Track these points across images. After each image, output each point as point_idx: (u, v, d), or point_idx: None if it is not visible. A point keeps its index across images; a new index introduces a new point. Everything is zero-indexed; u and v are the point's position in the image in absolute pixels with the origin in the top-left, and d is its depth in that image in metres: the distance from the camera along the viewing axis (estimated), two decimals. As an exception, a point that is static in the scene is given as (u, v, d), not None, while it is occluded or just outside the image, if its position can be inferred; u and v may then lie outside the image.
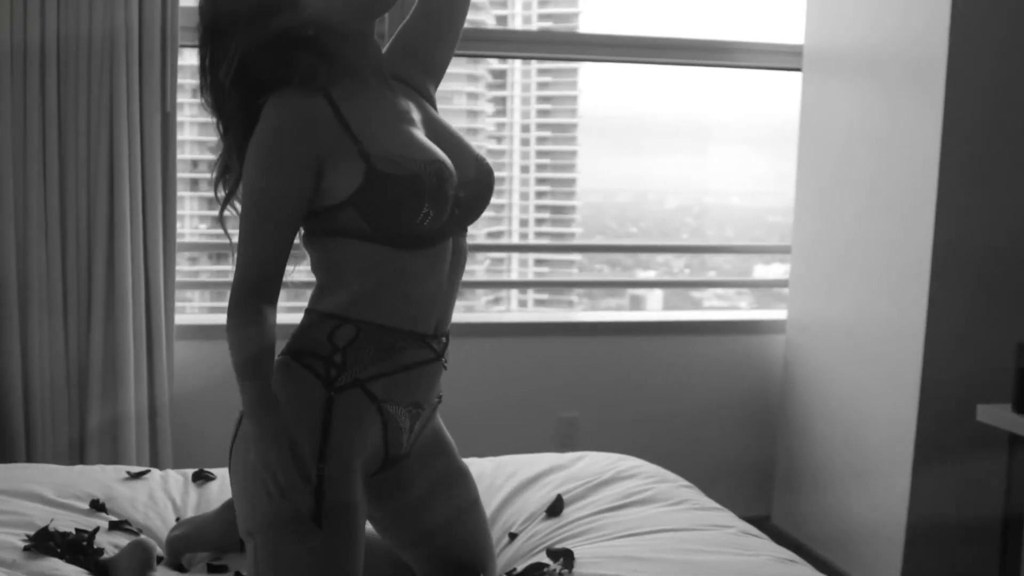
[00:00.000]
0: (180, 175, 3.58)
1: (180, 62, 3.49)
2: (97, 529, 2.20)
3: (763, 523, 4.01)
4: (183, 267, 3.91)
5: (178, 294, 3.67)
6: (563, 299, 4.80)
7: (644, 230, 5.01)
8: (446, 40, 2.00)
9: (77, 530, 2.18)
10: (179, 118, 3.56)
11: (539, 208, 4.72)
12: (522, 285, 4.60)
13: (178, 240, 3.58)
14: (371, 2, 1.74)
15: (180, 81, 3.50)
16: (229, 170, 1.76)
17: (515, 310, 4.64)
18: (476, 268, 4.61)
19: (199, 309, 4.15)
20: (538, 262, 4.79)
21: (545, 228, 4.76)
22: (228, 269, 2.84)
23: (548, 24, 4.59)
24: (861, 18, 3.63)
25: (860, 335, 3.62)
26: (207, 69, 1.75)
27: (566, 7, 4.61)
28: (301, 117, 1.66)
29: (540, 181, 4.74)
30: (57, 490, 2.41)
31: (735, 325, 4.25)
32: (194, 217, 4.21)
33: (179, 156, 3.54)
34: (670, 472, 2.62)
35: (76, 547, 2.11)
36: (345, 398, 1.71)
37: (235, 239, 1.71)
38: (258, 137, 1.66)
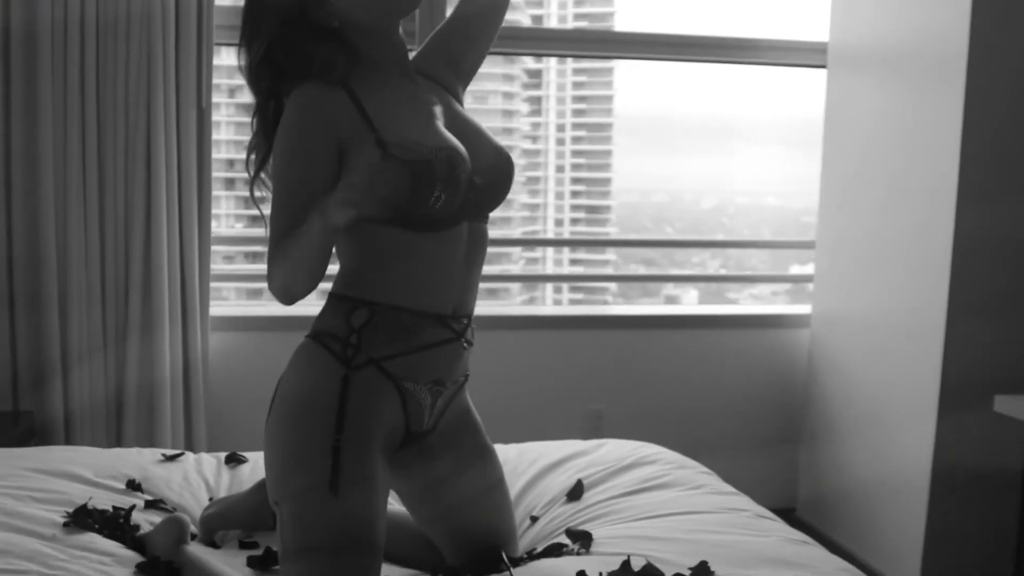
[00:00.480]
0: (216, 175, 3.67)
1: (216, 60, 3.57)
2: (133, 507, 2.29)
3: (788, 516, 4.05)
4: (218, 265, 4.00)
5: (216, 286, 3.77)
6: (598, 299, 4.81)
7: (680, 231, 5.00)
8: (477, 46, 2.07)
9: (114, 508, 2.27)
10: (215, 117, 3.65)
11: (574, 208, 4.74)
12: (555, 279, 4.64)
13: (213, 234, 3.68)
14: (394, 3, 1.82)
15: (216, 81, 3.59)
16: (257, 149, 1.85)
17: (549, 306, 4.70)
18: (511, 267, 4.68)
19: (237, 299, 4.24)
20: (573, 262, 4.82)
21: (580, 228, 4.78)
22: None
23: (584, 23, 4.62)
24: (884, 15, 3.67)
25: (882, 329, 3.66)
26: (244, 48, 1.83)
27: (602, 6, 4.64)
28: (321, 109, 1.74)
29: (575, 180, 4.75)
30: (95, 471, 2.50)
31: (760, 319, 4.30)
32: (230, 216, 4.31)
33: (215, 155, 3.63)
34: (690, 459, 2.67)
35: (113, 523, 2.20)
36: (361, 376, 1.78)
37: (267, 212, 1.80)
38: (282, 129, 1.75)
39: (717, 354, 4.24)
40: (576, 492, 2.37)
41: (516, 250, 4.74)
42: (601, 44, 4.38)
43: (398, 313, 1.80)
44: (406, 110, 1.83)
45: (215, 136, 3.66)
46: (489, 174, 1.86)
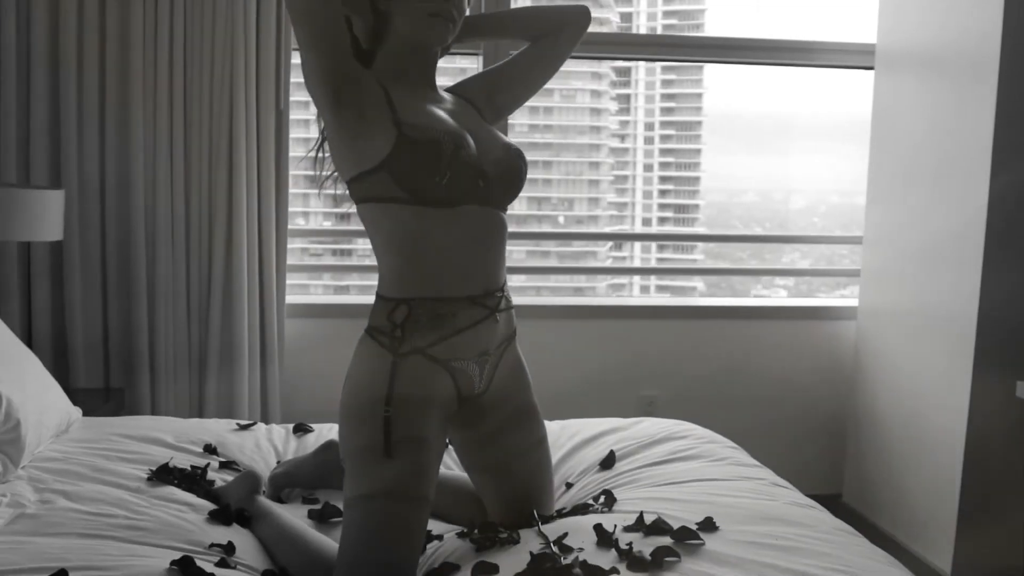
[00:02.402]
0: (293, 172, 3.94)
1: (293, 67, 3.82)
2: (208, 465, 2.56)
3: (834, 501, 4.20)
4: (295, 258, 4.27)
5: (299, 282, 4.05)
6: (687, 294, 4.86)
7: (769, 231, 5.01)
8: (513, 91, 2.35)
9: (192, 466, 2.54)
10: (292, 116, 3.91)
11: (662, 207, 4.81)
12: (587, 271, 4.78)
13: (290, 227, 3.94)
14: (422, 42, 2.10)
15: (294, 79, 3.84)
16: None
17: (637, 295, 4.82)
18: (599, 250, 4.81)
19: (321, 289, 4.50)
20: (660, 261, 4.88)
21: (668, 228, 4.84)
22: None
23: (673, 21, 4.69)
24: (928, 18, 3.79)
25: (922, 321, 3.79)
26: None
27: (691, 4, 4.70)
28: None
29: (663, 180, 4.80)
30: (176, 436, 2.78)
31: (809, 311, 4.43)
32: (318, 215, 4.57)
33: (292, 154, 3.89)
34: (720, 436, 2.85)
35: (191, 479, 2.46)
36: (408, 362, 2.03)
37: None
38: None
39: (767, 344, 4.38)
40: (608, 462, 2.58)
41: (604, 246, 4.83)
42: (677, 48, 4.48)
43: (432, 304, 2.04)
44: (421, 103, 2.08)
45: (292, 135, 3.91)
46: (499, 166, 2.09)
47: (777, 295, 4.92)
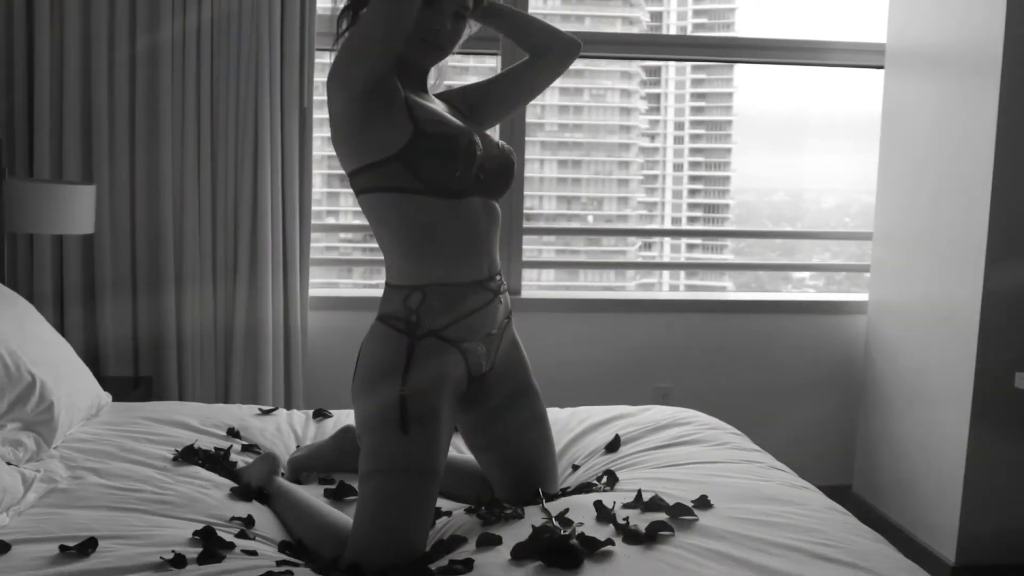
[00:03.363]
0: (316, 171, 4.06)
1: (316, 66, 3.94)
2: (231, 447, 2.68)
3: (844, 492, 4.28)
4: (319, 254, 4.39)
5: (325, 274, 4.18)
6: (716, 289, 4.94)
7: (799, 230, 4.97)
8: (494, 109, 2.50)
9: (216, 448, 2.66)
10: (315, 115, 4.03)
11: (691, 207, 4.85)
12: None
13: (314, 222, 4.07)
14: (414, 60, 2.24)
15: (317, 79, 3.96)
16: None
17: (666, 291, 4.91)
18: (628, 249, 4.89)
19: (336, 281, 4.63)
20: (690, 260, 4.97)
21: (697, 227, 4.89)
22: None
23: (704, 20, 4.73)
24: (936, 19, 3.87)
25: (928, 315, 3.88)
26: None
27: (722, 2, 4.74)
28: None
29: (693, 179, 4.84)
30: (200, 420, 2.90)
31: (821, 305, 4.52)
32: (347, 213, 4.69)
33: (315, 151, 4.01)
34: (724, 423, 2.95)
35: (214, 460, 2.59)
36: (424, 345, 2.16)
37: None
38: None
39: (781, 338, 4.47)
40: (613, 445, 2.68)
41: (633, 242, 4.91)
42: (673, 48, 4.55)
43: (445, 289, 2.18)
44: (428, 103, 2.24)
45: (315, 133, 4.03)
46: (495, 161, 2.25)
47: (805, 291, 4.98)
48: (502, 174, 2.28)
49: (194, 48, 3.79)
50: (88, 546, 1.90)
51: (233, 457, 2.66)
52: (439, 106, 2.31)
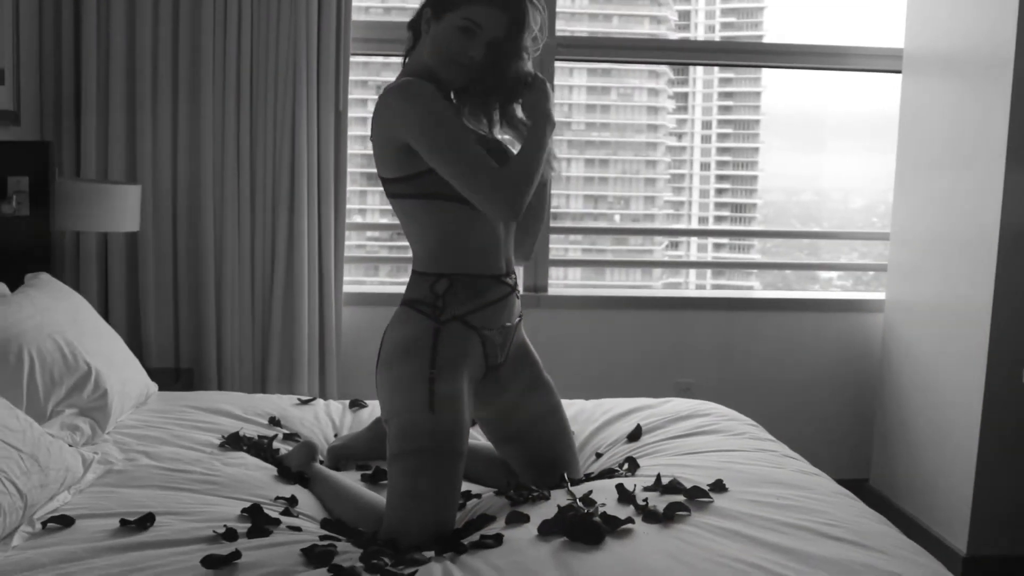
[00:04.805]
0: (351, 170, 4.21)
1: (351, 69, 4.09)
2: (275, 436, 2.83)
3: (861, 485, 4.39)
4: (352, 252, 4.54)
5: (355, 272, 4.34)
6: (742, 286, 5.04)
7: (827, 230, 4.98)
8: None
9: (259, 436, 2.81)
10: (351, 114, 4.15)
11: (719, 206, 4.92)
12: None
13: (348, 220, 4.21)
14: (441, 78, 2.35)
15: (353, 77, 4.11)
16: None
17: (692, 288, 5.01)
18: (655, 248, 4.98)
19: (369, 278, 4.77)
20: (714, 260, 5.06)
21: (724, 227, 4.96)
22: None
23: (732, 19, 4.77)
24: (951, 25, 3.99)
25: (942, 313, 4.00)
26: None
27: (750, 1, 4.78)
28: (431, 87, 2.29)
29: (720, 179, 4.89)
30: (243, 409, 3.06)
31: (839, 304, 4.63)
32: (375, 211, 4.83)
33: (350, 151, 4.15)
34: (742, 415, 3.08)
35: (259, 447, 2.74)
36: (449, 328, 2.32)
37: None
38: (420, 100, 2.25)
39: (800, 335, 4.58)
40: (635, 434, 2.82)
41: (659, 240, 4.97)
42: (700, 53, 4.66)
43: (470, 279, 2.36)
44: (463, 123, 2.38)
45: (350, 133, 4.16)
46: None
47: (831, 290, 5.06)
48: None
49: (234, 53, 3.94)
50: (147, 520, 2.06)
51: (276, 445, 2.81)
52: (468, 120, 2.44)
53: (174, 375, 3.87)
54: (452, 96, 2.42)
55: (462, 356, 2.34)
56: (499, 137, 2.48)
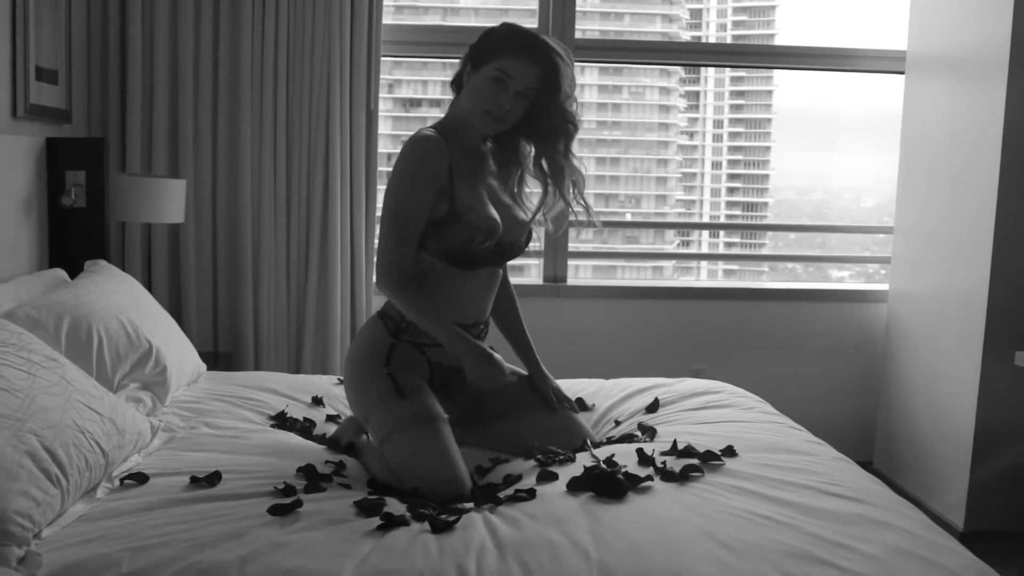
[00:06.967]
0: (380, 168, 4.42)
1: (382, 70, 4.30)
2: (314, 425, 3.03)
3: (865, 467, 4.51)
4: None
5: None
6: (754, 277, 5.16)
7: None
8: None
9: (304, 418, 3.02)
10: (381, 112, 4.37)
11: (730, 205, 5.02)
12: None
13: (377, 213, 4.42)
14: (473, 126, 2.62)
15: (383, 77, 4.32)
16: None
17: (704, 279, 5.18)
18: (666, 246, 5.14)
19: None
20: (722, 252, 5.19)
21: (734, 221, 5.05)
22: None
23: (744, 18, 4.86)
24: (952, 27, 4.20)
25: (941, 303, 4.22)
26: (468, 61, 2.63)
27: (762, 0, 4.88)
28: (440, 159, 2.55)
29: (732, 177, 4.98)
30: (287, 388, 3.27)
31: (845, 294, 4.85)
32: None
33: (380, 149, 4.37)
34: (751, 393, 3.29)
35: (305, 431, 2.94)
36: (401, 347, 2.65)
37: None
38: (407, 161, 2.56)
39: (808, 324, 4.80)
40: (653, 407, 3.03)
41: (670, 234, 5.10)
42: (710, 55, 4.84)
43: None
44: (475, 182, 2.62)
45: (380, 131, 4.37)
46: (511, 236, 2.67)
47: (842, 281, 5.23)
48: (514, 250, 2.71)
49: (271, 54, 4.16)
50: (214, 478, 2.28)
51: (320, 429, 2.99)
52: (487, 175, 2.67)
53: (213, 359, 4.07)
54: (488, 143, 2.70)
55: (410, 367, 2.64)
56: (520, 195, 2.76)
